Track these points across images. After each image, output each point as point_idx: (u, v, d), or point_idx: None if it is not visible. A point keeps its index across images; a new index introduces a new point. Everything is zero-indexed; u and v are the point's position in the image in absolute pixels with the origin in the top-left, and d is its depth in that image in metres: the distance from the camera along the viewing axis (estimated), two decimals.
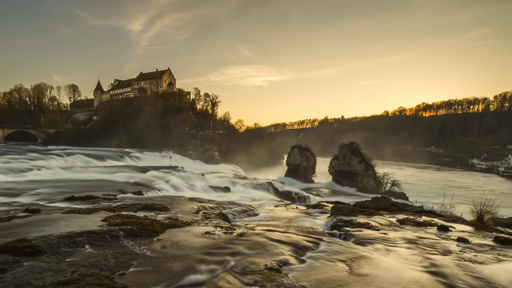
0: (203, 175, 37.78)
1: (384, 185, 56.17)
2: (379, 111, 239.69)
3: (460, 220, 8.03)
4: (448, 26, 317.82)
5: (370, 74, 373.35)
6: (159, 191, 21.85)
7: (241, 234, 5.29)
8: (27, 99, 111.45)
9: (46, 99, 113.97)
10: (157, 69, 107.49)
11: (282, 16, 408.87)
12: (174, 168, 44.10)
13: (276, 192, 36.82)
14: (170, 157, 60.31)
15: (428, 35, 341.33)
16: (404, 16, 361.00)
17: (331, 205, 9.72)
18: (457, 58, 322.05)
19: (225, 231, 5.50)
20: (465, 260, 4.39)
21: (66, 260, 3.62)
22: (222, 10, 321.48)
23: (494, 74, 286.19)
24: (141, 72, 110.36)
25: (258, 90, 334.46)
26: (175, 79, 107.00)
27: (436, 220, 7.54)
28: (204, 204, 9.66)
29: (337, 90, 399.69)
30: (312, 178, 67.96)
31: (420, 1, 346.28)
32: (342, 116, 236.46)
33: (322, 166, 70.58)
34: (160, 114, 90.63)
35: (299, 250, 4.74)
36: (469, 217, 8.81)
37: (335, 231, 6.42)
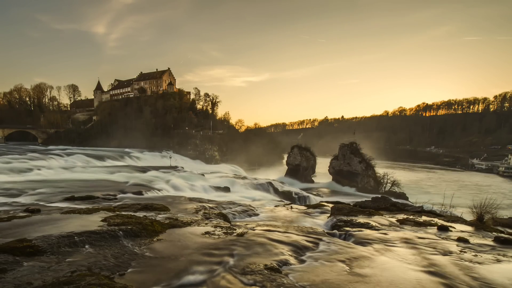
0: (203, 175, 37.78)
1: (384, 185, 56.14)
2: (379, 111, 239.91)
3: (460, 220, 8.03)
4: (448, 26, 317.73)
5: (348, 74, 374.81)
6: (159, 191, 21.85)
7: (241, 234, 5.29)
8: (27, 99, 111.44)
9: (46, 99, 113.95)
10: (157, 69, 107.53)
11: (237, 17, 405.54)
12: (174, 168, 44.09)
13: (276, 192, 36.81)
14: (170, 157, 60.32)
15: (428, 35, 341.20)
16: (399, 13, 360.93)
17: (331, 205, 9.72)
18: (457, 58, 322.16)
19: (225, 231, 5.50)
20: (465, 260, 4.39)
21: (66, 260, 3.62)
22: (176, 12, 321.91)
23: (494, 74, 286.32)
24: (141, 72, 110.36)
25: (241, 91, 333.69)
26: (175, 79, 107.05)
27: (436, 220, 7.54)
28: (204, 204, 9.66)
29: (316, 89, 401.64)
30: (312, 178, 67.92)
31: None
32: (342, 116, 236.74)
33: (322, 166, 70.55)
34: (160, 114, 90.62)
35: (299, 250, 4.74)
36: (469, 217, 8.82)
37: (335, 231, 6.42)
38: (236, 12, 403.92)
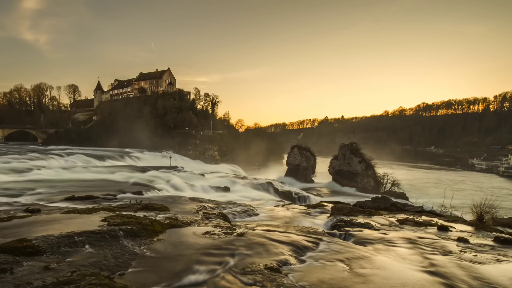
0: (203, 175, 37.77)
1: (384, 185, 56.16)
2: (379, 111, 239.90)
3: (460, 220, 8.02)
4: (449, 26, 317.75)
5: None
6: (159, 191, 21.86)
7: (241, 234, 5.29)
8: (27, 99, 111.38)
9: (46, 99, 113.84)
10: (157, 69, 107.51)
11: (167, 18, 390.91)
12: (174, 168, 44.10)
13: (276, 192, 36.79)
14: (170, 157, 60.31)
15: (428, 35, 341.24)
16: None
17: (331, 205, 9.71)
18: (457, 58, 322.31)
19: (225, 231, 5.50)
20: (465, 260, 4.39)
21: (66, 260, 3.62)
22: (83, 16, 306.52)
23: (494, 74, 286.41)
24: (141, 72, 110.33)
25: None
26: (175, 79, 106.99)
27: (436, 220, 7.54)
28: (204, 204, 9.67)
29: (315, 88, 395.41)
30: (312, 178, 67.93)
31: None
32: (342, 116, 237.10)
33: (322, 166, 70.56)
34: (160, 114, 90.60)
35: (299, 250, 4.74)
36: (469, 217, 8.82)
37: (335, 231, 6.42)
38: (161, 14, 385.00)
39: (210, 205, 9.56)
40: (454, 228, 6.63)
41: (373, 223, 6.80)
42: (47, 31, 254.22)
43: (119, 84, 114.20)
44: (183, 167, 46.83)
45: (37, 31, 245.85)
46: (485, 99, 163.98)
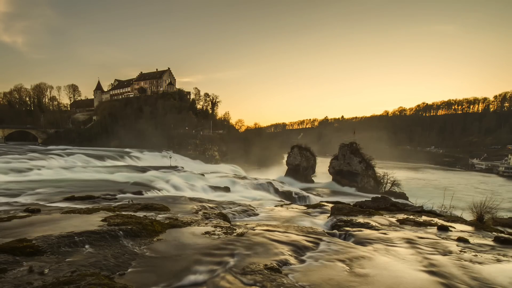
0: (203, 175, 37.78)
1: (384, 185, 56.14)
2: (379, 111, 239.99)
3: (460, 220, 8.02)
4: (448, 26, 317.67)
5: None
6: (159, 191, 21.87)
7: (241, 234, 5.29)
8: (27, 99, 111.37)
9: (46, 99, 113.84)
10: (157, 69, 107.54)
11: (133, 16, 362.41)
12: (174, 168, 44.13)
13: (276, 192, 36.81)
14: (170, 157, 60.34)
15: (428, 35, 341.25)
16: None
17: (331, 205, 9.71)
18: (457, 58, 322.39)
19: (225, 231, 5.50)
20: (465, 260, 4.39)
21: (66, 260, 3.62)
22: (51, 17, 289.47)
23: (494, 74, 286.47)
24: (141, 72, 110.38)
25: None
26: (175, 79, 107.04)
27: (436, 220, 7.54)
28: (204, 204, 9.66)
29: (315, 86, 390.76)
30: (312, 178, 67.92)
31: None
32: (342, 116, 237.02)
33: (322, 166, 70.54)
34: (160, 114, 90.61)
35: (299, 250, 4.74)
36: (469, 217, 8.82)
37: (335, 231, 6.42)
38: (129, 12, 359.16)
39: (210, 205, 9.56)
40: (454, 228, 6.63)
41: (373, 223, 6.80)
42: (22, 33, 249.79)
43: (119, 84, 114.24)
44: (183, 167, 46.87)
45: (12, 33, 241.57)
46: (485, 99, 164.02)
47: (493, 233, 6.31)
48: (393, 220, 7.39)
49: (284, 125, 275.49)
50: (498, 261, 4.42)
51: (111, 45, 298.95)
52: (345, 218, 7.34)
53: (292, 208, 10.41)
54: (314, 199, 35.09)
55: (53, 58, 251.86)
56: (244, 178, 41.31)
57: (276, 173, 70.54)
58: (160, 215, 6.80)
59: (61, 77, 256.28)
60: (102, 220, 5.36)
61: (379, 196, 13.19)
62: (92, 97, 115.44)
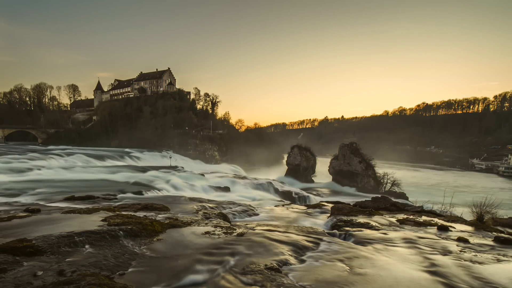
0: (203, 175, 37.79)
1: (384, 185, 56.19)
2: (379, 111, 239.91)
3: (460, 220, 8.02)
4: (448, 26, 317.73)
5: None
6: (159, 191, 21.88)
7: (241, 234, 5.29)
8: (27, 99, 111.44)
9: (46, 99, 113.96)
10: (157, 69, 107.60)
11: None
12: (174, 168, 44.15)
13: (276, 192, 36.81)
14: (170, 157, 60.38)
15: (428, 35, 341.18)
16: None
17: (331, 205, 9.71)
18: (457, 58, 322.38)
19: (225, 231, 5.50)
20: (465, 260, 4.38)
21: (66, 260, 3.62)
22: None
23: (494, 74, 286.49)
24: (141, 72, 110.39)
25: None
26: (175, 79, 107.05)
27: (436, 220, 7.53)
28: (204, 204, 9.66)
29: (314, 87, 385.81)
30: (312, 178, 67.96)
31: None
32: (342, 116, 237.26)
33: (322, 166, 70.59)
34: (160, 114, 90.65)
35: (299, 250, 4.74)
36: (469, 217, 8.81)
37: (335, 231, 6.42)
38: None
39: (210, 205, 9.56)
40: (454, 228, 6.63)
41: (373, 223, 6.80)
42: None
43: (119, 84, 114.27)
44: (183, 167, 46.88)
45: None
46: (485, 99, 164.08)
47: (493, 233, 6.30)
48: (393, 220, 7.39)
49: (284, 125, 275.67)
50: (498, 261, 4.42)
51: (111, 45, 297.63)
52: (345, 218, 7.34)
53: (292, 208, 10.41)
54: (314, 199, 35.11)
55: (53, 58, 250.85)
56: (244, 178, 41.30)
57: (276, 173, 70.57)
58: (160, 215, 6.79)
59: (61, 77, 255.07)
60: (102, 220, 5.36)
61: (379, 196, 13.19)
62: (92, 97, 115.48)
